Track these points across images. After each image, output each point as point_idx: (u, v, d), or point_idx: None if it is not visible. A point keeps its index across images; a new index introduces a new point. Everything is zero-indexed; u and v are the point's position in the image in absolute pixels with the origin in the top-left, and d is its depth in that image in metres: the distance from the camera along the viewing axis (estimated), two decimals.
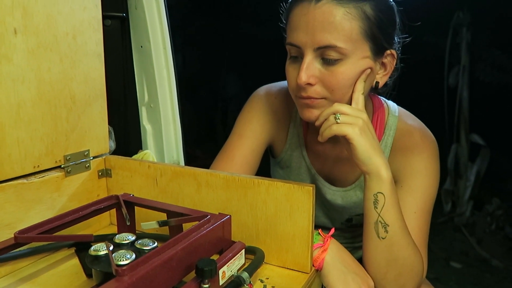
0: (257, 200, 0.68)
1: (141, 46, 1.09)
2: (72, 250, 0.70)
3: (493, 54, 2.98)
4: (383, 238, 0.70)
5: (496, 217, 2.81)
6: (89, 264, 0.57)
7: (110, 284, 0.45)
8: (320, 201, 0.93)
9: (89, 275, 0.64)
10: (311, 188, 0.64)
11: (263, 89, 0.94)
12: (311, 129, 0.89)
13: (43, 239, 0.63)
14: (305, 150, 0.91)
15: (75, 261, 0.68)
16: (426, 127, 0.84)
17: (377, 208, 0.70)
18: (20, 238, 0.59)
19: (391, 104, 0.87)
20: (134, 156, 1.09)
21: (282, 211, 0.66)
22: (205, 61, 4.19)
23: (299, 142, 0.91)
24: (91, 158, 0.82)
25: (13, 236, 0.59)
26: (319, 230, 0.72)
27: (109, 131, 0.87)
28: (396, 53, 0.76)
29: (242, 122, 0.92)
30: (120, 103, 1.12)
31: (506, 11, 2.68)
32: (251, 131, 0.90)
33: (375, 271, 0.72)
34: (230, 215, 0.65)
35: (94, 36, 0.78)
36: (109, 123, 0.85)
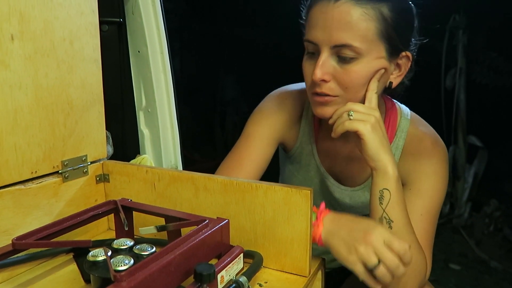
0: (255, 204, 0.68)
1: (139, 51, 1.09)
2: (70, 256, 0.69)
3: (489, 56, 2.99)
4: None
5: (495, 219, 2.82)
6: (87, 269, 0.57)
7: None
8: (327, 199, 0.93)
9: (87, 280, 0.63)
10: (309, 191, 0.64)
11: (276, 90, 0.96)
12: (322, 127, 0.90)
13: (41, 245, 0.63)
14: (315, 148, 0.92)
15: (73, 267, 0.67)
16: (437, 133, 0.85)
17: (382, 204, 0.71)
18: (18, 245, 0.58)
19: (404, 107, 0.88)
20: (132, 161, 1.09)
21: (280, 215, 0.66)
22: (203, 65, 4.20)
23: (309, 140, 0.92)
24: (89, 163, 0.81)
25: (10, 242, 0.59)
26: (314, 208, 0.71)
27: (107, 136, 0.87)
28: (412, 55, 0.78)
29: (251, 124, 0.93)
30: (117, 108, 1.12)
31: (502, 14, 2.70)
32: (260, 134, 0.90)
33: None
34: (228, 220, 0.65)
35: (91, 41, 0.78)
36: (107, 128, 0.85)
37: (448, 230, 2.91)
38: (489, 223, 2.81)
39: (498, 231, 2.78)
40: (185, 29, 3.96)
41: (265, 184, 0.67)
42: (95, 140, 0.82)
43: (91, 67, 0.79)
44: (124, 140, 1.13)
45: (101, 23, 0.81)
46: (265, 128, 0.91)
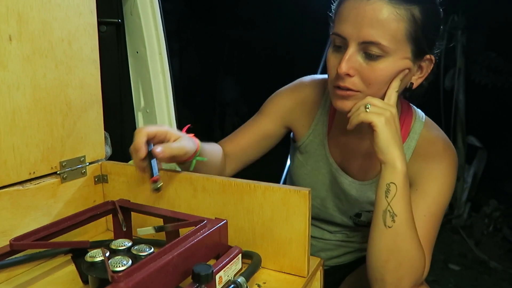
0: (253, 204, 0.68)
1: (137, 52, 1.09)
2: (68, 256, 0.69)
3: (488, 56, 2.99)
4: (389, 227, 0.72)
5: (494, 219, 2.82)
6: (85, 270, 0.57)
7: None
8: (334, 190, 0.94)
9: (85, 281, 0.63)
10: (307, 192, 0.64)
11: (305, 76, 1.00)
12: (337, 119, 0.91)
13: (39, 246, 0.63)
14: (327, 139, 0.93)
15: (71, 267, 0.67)
16: (449, 139, 0.86)
17: (387, 197, 0.72)
18: (16, 245, 0.58)
19: (420, 111, 0.89)
20: (131, 162, 1.09)
21: (278, 215, 0.66)
22: (202, 66, 4.20)
23: (322, 130, 0.93)
24: (87, 164, 0.81)
25: (8, 243, 0.59)
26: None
27: (105, 137, 0.87)
28: (435, 58, 0.79)
29: (265, 102, 0.99)
30: (116, 108, 1.12)
31: (501, 14, 2.70)
32: (267, 110, 0.97)
33: (376, 258, 0.74)
34: (226, 220, 0.65)
35: (89, 42, 0.78)
36: (105, 129, 0.85)
37: (448, 230, 2.91)
38: (489, 223, 2.81)
39: (497, 231, 2.78)
40: (184, 30, 3.95)
41: (263, 184, 0.67)
42: (94, 141, 0.82)
43: (89, 67, 0.79)
44: (123, 141, 1.13)
45: (99, 23, 0.81)
46: (273, 106, 0.97)
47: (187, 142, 0.73)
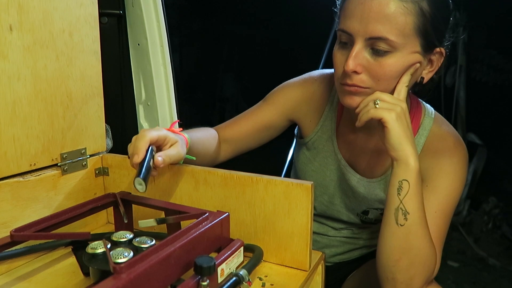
0: (255, 197, 0.68)
1: (138, 44, 1.08)
2: (69, 249, 0.69)
3: (489, 54, 2.99)
4: (401, 225, 0.71)
5: (493, 216, 2.82)
6: (87, 262, 0.57)
7: (107, 282, 0.45)
8: (342, 187, 0.93)
9: (86, 273, 0.63)
10: (310, 185, 0.63)
11: (315, 71, 0.98)
12: (345, 116, 0.90)
13: (39, 237, 0.62)
14: (335, 135, 0.92)
15: (72, 259, 0.67)
16: (459, 135, 0.85)
17: (400, 194, 0.71)
18: (17, 236, 0.58)
19: (429, 107, 0.88)
20: None
21: (280, 208, 0.66)
22: (202, 62, 4.19)
23: (331, 126, 0.92)
24: (88, 156, 0.81)
25: (9, 234, 0.58)
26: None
27: (106, 129, 0.87)
28: (445, 51, 0.77)
29: (271, 91, 0.97)
30: (117, 101, 1.11)
31: (503, 12, 2.69)
32: (272, 100, 0.95)
33: (387, 257, 0.73)
34: (228, 213, 0.64)
35: (90, 33, 0.78)
36: (106, 121, 0.85)
37: None
38: (488, 221, 2.81)
39: (496, 229, 2.78)
40: (184, 26, 3.94)
41: (265, 177, 0.67)
42: (94, 133, 0.82)
43: (90, 59, 0.78)
44: (124, 134, 1.12)
45: (100, 15, 0.80)
46: (280, 97, 0.95)
47: (182, 147, 0.71)
